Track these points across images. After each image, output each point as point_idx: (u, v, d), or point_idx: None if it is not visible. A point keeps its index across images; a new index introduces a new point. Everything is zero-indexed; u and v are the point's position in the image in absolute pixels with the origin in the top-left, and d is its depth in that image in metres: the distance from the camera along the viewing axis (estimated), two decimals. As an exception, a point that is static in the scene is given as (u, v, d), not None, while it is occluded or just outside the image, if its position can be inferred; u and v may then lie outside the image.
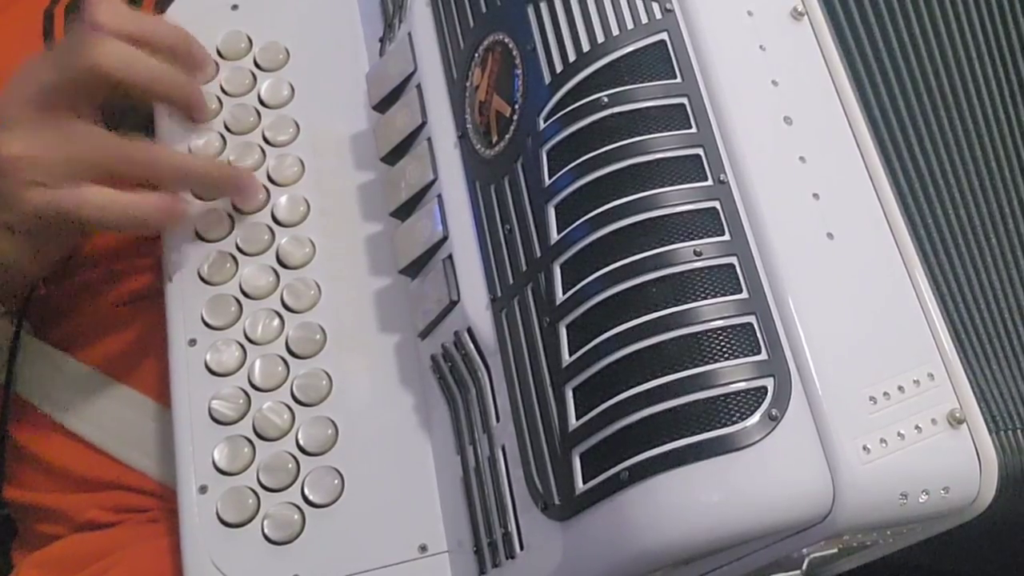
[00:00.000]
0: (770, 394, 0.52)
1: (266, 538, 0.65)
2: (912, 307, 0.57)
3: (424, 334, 0.67)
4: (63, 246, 0.72)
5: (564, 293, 0.57)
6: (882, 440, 0.53)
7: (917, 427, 0.54)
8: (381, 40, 0.75)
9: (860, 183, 0.60)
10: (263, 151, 0.75)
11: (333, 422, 0.68)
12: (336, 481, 0.66)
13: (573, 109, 0.58)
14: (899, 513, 0.53)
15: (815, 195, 0.58)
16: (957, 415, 0.55)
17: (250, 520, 0.66)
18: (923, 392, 0.55)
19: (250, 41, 0.78)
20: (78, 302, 0.71)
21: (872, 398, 0.54)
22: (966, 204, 0.63)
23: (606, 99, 0.58)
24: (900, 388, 0.54)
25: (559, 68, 0.59)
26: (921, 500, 0.53)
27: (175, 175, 0.70)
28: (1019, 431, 0.59)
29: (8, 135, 0.67)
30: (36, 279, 0.75)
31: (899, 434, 0.53)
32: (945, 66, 0.66)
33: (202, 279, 0.72)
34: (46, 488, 0.75)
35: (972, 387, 0.56)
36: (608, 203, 0.56)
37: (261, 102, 0.76)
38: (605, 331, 0.55)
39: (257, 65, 0.77)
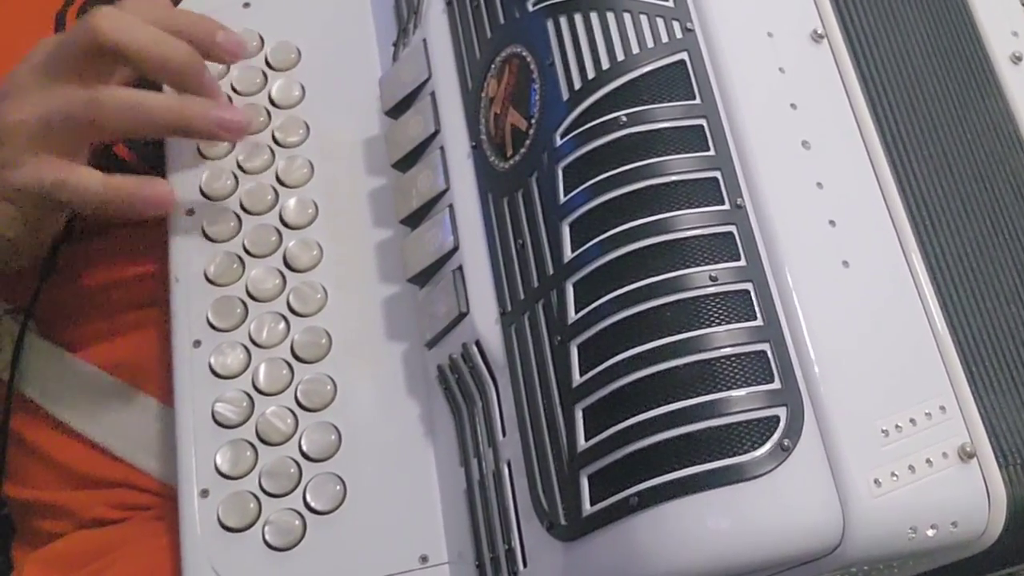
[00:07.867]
0: (782, 424, 0.52)
1: (267, 544, 0.65)
2: (925, 338, 0.57)
3: (431, 344, 0.66)
4: (57, 221, 0.70)
5: (576, 312, 0.57)
6: (893, 474, 0.52)
7: (928, 461, 0.54)
8: (395, 44, 0.74)
9: (876, 210, 0.59)
10: (272, 152, 0.74)
11: (336, 428, 0.67)
12: (338, 488, 0.66)
13: (591, 127, 0.58)
14: (907, 547, 0.53)
15: (831, 222, 0.57)
16: (968, 449, 0.55)
17: (251, 525, 0.65)
18: (935, 425, 0.55)
19: (261, 40, 0.77)
20: (85, 303, 0.70)
21: (884, 431, 0.53)
22: (982, 234, 0.63)
23: (624, 118, 0.57)
24: (912, 421, 0.54)
25: (578, 84, 0.59)
26: (929, 534, 0.53)
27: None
28: None
29: (11, 103, 0.66)
30: (32, 258, 0.74)
31: (910, 467, 0.53)
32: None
33: (208, 280, 0.71)
34: (51, 485, 0.75)
35: (983, 420, 0.56)
36: (623, 224, 0.56)
37: (272, 102, 0.76)
38: (617, 353, 0.54)
39: (268, 64, 0.77)
